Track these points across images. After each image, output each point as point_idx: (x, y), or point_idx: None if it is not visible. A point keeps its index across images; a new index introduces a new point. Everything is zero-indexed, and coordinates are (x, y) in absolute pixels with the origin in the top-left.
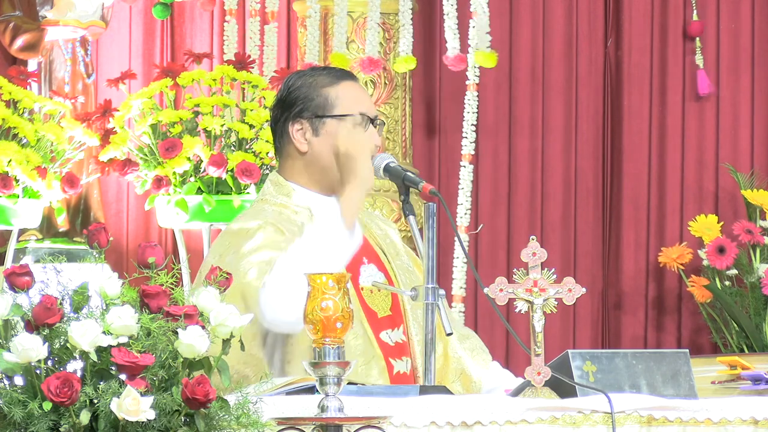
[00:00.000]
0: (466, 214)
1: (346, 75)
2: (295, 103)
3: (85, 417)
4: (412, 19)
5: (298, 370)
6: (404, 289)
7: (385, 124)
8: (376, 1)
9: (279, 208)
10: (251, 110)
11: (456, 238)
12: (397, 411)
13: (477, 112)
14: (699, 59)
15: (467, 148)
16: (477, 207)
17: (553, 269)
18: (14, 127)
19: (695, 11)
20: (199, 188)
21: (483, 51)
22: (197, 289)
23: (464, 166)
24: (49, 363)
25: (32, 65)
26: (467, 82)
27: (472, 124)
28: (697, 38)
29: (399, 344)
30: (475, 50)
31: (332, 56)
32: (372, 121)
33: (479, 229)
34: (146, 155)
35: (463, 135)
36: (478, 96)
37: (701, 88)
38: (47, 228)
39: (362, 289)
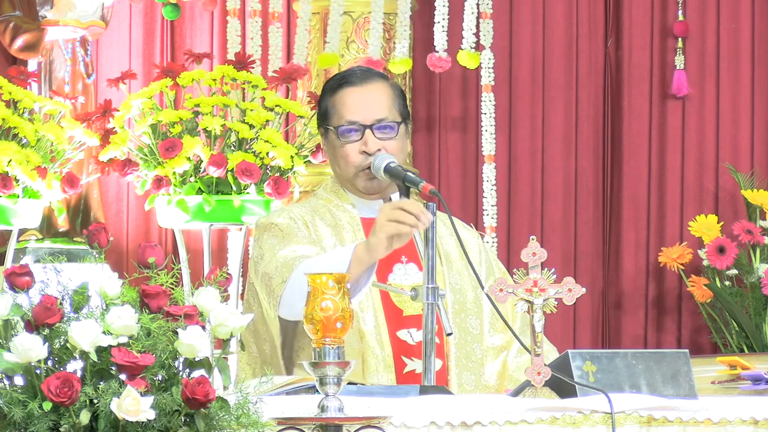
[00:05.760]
0: (494, 217)
1: (348, 81)
2: (317, 112)
3: (85, 417)
4: (411, 18)
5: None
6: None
7: (393, 126)
8: (379, 1)
9: (323, 201)
10: (251, 110)
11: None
12: (397, 411)
13: (494, 113)
14: (679, 60)
15: (487, 147)
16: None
17: (553, 269)
18: (14, 127)
19: (681, 11)
20: (199, 188)
21: (467, 51)
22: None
23: (487, 165)
24: (49, 363)
25: (32, 65)
26: (482, 83)
27: (491, 125)
28: (680, 39)
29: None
30: (480, 49)
31: (320, 57)
32: (368, 127)
33: None
34: (146, 155)
35: (482, 135)
36: (493, 96)
37: (678, 89)
38: (47, 228)
39: (390, 285)
